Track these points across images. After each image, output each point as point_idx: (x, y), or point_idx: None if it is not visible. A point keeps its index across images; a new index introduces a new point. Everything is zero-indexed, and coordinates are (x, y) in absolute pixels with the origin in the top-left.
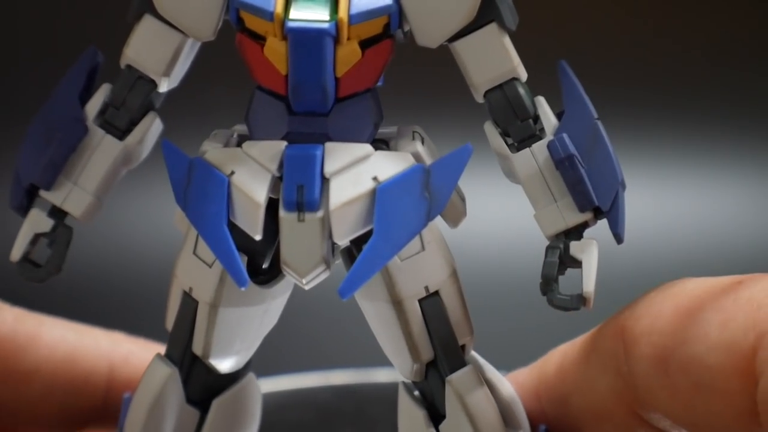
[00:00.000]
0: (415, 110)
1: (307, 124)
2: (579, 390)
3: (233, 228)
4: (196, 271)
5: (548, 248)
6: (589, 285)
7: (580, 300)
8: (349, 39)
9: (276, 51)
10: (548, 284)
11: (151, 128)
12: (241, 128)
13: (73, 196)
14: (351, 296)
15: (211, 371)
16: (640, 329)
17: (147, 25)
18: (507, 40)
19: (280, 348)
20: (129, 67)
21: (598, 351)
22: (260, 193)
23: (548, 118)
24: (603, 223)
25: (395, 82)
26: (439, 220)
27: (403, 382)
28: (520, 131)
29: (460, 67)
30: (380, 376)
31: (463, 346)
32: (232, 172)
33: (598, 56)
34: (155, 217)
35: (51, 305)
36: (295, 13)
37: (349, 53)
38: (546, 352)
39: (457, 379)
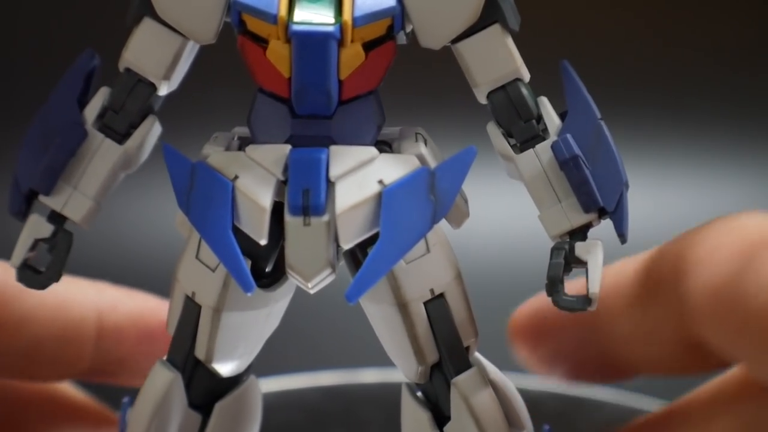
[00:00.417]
0: (418, 111)
1: (310, 127)
2: (630, 309)
3: (236, 232)
4: (198, 275)
5: (553, 249)
6: (594, 286)
7: (586, 301)
8: (352, 41)
9: (279, 54)
10: (554, 285)
11: (151, 132)
12: (241, 131)
13: (73, 200)
14: (358, 301)
15: (214, 375)
16: (696, 257)
17: (146, 28)
18: (510, 41)
19: (268, 349)
20: (128, 70)
21: (653, 274)
22: (265, 198)
23: (551, 119)
24: (605, 223)
25: (398, 83)
26: (442, 222)
27: (406, 384)
28: (524, 132)
29: (463, 68)
30: (369, 376)
31: (467, 348)
32: (236, 177)
33: (600, 56)
34: (155, 221)
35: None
36: (299, 16)
37: (353, 56)
38: None
39: (463, 381)
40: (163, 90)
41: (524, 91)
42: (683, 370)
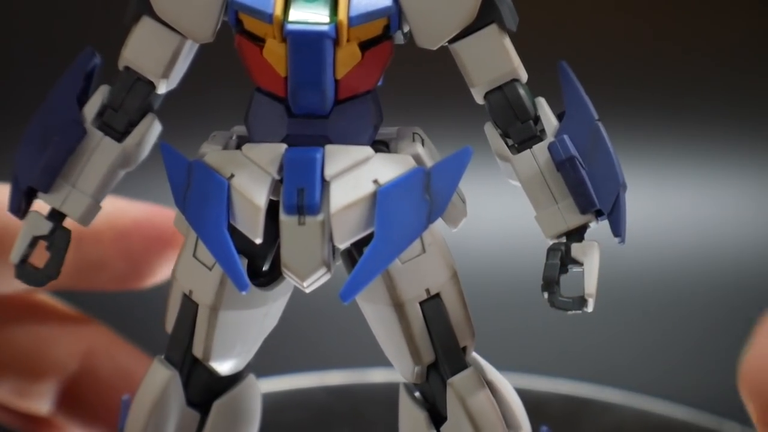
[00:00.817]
0: (415, 111)
1: (306, 127)
2: None
3: (233, 231)
4: (196, 273)
5: (549, 250)
6: (590, 287)
7: (582, 302)
8: (348, 41)
9: (275, 53)
10: (550, 286)
11: (150, 130)
12: (239, 130)
13: (72, 198)
14: (352, 300)
15: (212, 373)
16: None
17: (145, 27)
18: (507, 41)
19: (275, 349)
20: (127, 68)
21: None
22: (260, 197)
23: (549, 120)
24: (603, 224)
25: (395, 83)
26: (439, 222)
27: (404, 384)
28: (521, 133)
29: (460, 68)
30: (376, 376)
31: (464, 348)
32: (232, 175)
33: (598, 56)
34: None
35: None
36: (294, 15)
37: (348, 55)
38: (547, 353)
39: (459, 381)
40: (162, 88)
41: (521, 91)
42: None
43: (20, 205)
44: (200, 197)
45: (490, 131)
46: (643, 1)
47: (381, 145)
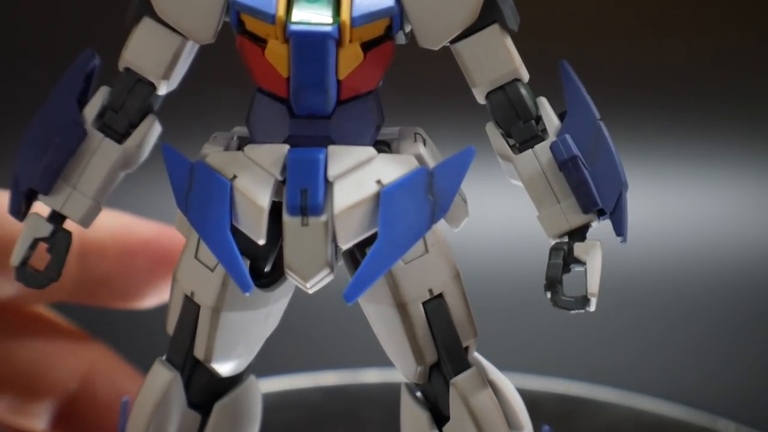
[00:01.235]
0: (417, 111)
1: (308, 127)
2: None
3: (235, 232)
4: (197, 275)
5: (552, 250)
6: (593, 287)
7: (585, 301)
8: (351, 41)
9: (277, 54)
10: (553, 286)
11: (151, 131)
12: (240, 130)
13: (73, 200)
14: (356, 301)
15: (213, 375)
16: None
17: (146, 28)
18: (509, 41)
19: (269, 349)
20: (127, 69)
21: None
22: (263, 198)
23: (550, 119)
24: (605, 223)
25: (396, 83)
26: (441, 222)
27: (405, 384)
28: (523, 132)
29: (462, 68)
30: (370, 376)
31: (466, 348)
32: (235, 176)
33: (600, 56)
34: (154, 220)
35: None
36: (297, 16)
37: (351, 56)
38: (549, 353)
39: (462, 381)
40: (163, 89)
41: (523, 91)
42: None
43: (20, 207)
44: (203, 198)
45: (492, 131)
46: (645, 1)
47: (383, 146)
